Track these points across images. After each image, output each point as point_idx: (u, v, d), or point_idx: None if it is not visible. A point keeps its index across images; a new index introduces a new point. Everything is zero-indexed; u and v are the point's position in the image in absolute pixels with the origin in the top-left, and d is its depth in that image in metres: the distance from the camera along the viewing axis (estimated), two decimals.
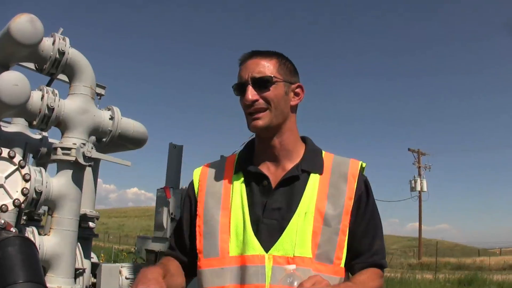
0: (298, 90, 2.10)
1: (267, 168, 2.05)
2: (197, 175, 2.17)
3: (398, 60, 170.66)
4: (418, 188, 44.28)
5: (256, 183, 2.01)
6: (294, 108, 2.10)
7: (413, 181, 44.71)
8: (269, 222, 1.92)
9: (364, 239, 2.00)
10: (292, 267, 1.73)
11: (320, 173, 2.02)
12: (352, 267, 2.01)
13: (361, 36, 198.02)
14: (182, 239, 2.13)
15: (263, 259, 1.86)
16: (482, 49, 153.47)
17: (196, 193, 2.12)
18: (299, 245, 1.86)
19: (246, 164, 2.07)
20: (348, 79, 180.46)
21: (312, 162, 2.05)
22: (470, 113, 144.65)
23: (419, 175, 45.17)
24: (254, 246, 1.88)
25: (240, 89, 2.02)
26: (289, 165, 2.04)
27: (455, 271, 30.86)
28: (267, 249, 1.87)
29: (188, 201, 2.17)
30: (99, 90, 6.09)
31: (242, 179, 2.05)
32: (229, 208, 1.99)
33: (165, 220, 6.25)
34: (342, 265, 1.93)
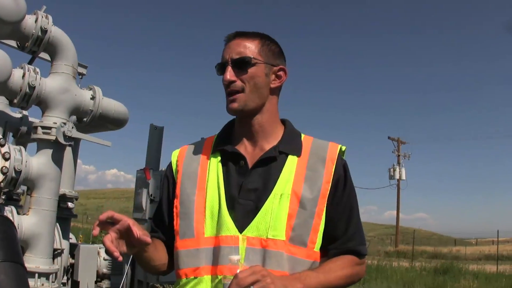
0: (280, 73, 2.07)
1: (244, 148, 2.03)
2: (175, 156, 2.16)
3: (380, 49, 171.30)
4: (397, 177, 44.56)
5: (233, 163, 2.00)
6: (275, 91, 2.08)
7: (392, 169, 44.97)
8: (244, 202, 1.90)
9: (339, 223, 1.98)
10: (237, 257, 1.71)
11: (298, 155, 2.00)
12: (327, 253, 1.98)
13: (345, 25, 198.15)
14: (163, 221, 2.11)
15: (237, 240, 1.84)
16: (465, 41, 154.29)
17: (174, 174, 2.11)
18: (273, 227, 1.84)
19: (224, 144, 2.06)
20: (330, 67, 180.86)
21: (290, 144, 2.04)
22: (450, 104, 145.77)
23: (398, 163, 45.43)
24: (229, 227, 1.86)
25: (221, 69, 2.02)
26: (267, 146, 2.02)
27: (431, 259, 31.21)
28: (241, 230, 1.86)
29: (166, 182, 2.15)
30: (80, 70, 6.03)
31: (219, 158, 2.04)
32: (205, 188, 1.98)
33: (145, 201, 6.24)
34: (317, 249, 1.91)
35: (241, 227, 1.86)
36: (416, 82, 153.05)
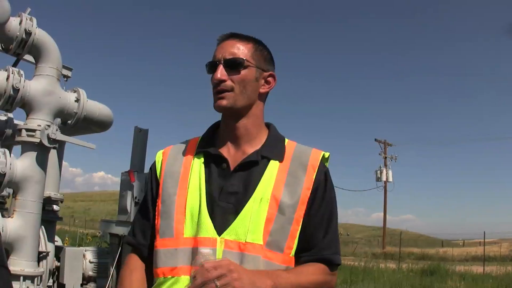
0: (269, 78, 2.08)
1: (227, 151, 2.03)
2: (160, 156, 2.16)
3: (367, 51, 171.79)
4: (384, 179, 44.67)
5: (215, 165, 2.00)
6: (262, 96, 2.09)
7: (379, 172, 45.08)
8: (224, 205, 1.90)
9: (316, 231, 1.97)
10: (207, 251, 1.73)
11: (280, 160, 2.00)
12: (298, 260, 1.95)
13: (330, 29, 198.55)
14: (145, 221, 2.10)
15: (215, 242, 1.84)
16: (451, 44, 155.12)
17: (158, 174, 2.11)
18: (252, 231, 1.84)
19: (207, 146, 2.06)
20: (317, 69, 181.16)
21: (273, 149, 2.03)
22: (436, 106, 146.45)
23: (385, 165, 45.55)
24: (208, 229, 1.86)
25: (212, 67, 2.02)
26: (250, 150, 2.02)
27: (418, 261, 31.25)
28: (220, 233, 1.86)
29: (150, 182, 2.14)
30: (65, 72, 6.01)
31: (202, 160, 2.04)
32: (187, 188, 1.98)
33: (129, 204, 6.21)
34: (292, 254, 1.91)
35: (220, 230, 1.87)
36: (403, 84, 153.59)
